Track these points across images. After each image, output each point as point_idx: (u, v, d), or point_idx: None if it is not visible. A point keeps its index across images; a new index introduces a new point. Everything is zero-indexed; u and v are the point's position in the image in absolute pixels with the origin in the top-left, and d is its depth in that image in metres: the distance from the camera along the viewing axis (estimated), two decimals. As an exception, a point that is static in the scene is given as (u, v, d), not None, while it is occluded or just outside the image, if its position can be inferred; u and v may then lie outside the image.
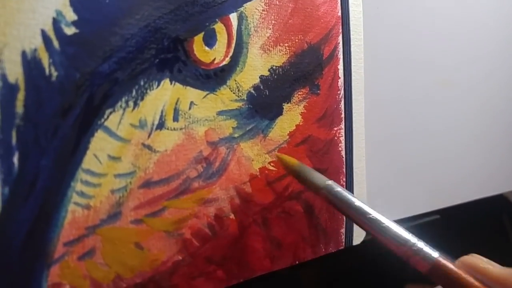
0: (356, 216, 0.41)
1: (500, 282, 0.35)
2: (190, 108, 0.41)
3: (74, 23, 0.35)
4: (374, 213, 0.40)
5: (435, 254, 0.37)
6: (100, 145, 0.36)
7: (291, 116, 0.48)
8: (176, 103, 0.40)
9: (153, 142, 0.39)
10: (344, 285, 0.61)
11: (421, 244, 0.38)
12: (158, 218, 0.39)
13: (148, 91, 0.39)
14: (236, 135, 0.44)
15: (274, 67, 0.46)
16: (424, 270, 0.37)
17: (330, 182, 0.43)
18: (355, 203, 0.41)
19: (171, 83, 0.40)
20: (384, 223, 0.39)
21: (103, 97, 0.36)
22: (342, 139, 0.52)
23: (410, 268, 0.38)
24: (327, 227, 0.51)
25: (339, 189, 0.42)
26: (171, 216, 0.40)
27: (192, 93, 0.41)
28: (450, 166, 0.69)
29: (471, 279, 0.35)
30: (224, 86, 0.43)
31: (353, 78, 0.52)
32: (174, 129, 0.40)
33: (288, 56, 0.47)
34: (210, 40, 0.42)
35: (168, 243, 0.40)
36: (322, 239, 0.51)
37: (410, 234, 0.39)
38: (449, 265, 0.36)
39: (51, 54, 0.34)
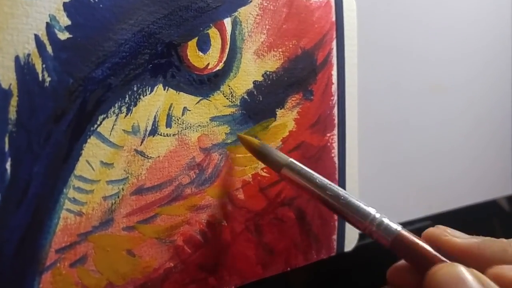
0: (317, 193, 0.40)
1: (466, 253, 0.33)
2: (183, 114, 0.41)
3: (67, 28, 0.34)
4: (334, 189, 0.40)
5: (397, 227, 0.36)
6: (92, 151, 0.36)
7: (284, 122, 0.47)
8: (169, 109, 0.40)
9: (145, 148, 0.39)
10: (335, 290, 0.61)
11: (382, 218, 0.37)
12: (150, 225, 0.39)
13: (141, 96, 0.38)
14: (229, 141, 0.44)
15: (268, 73, 0.46)
16: (386, 244, 0.36)
17: (292, 159, 0.42)
18: (317, 180, 0.40)
19: (164, 89, 0.39)
20: (343, 198, 0.39)
21: (96, 103, 0.36)
22: (335, 145, 0.52)
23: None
24: (319, 233, 0.51)
25: (301, 166, 0.42)
26: (163, 223, 0.40)
27: (185, 99, 0.41)
28: (442, 172, 0.69)
29: (434, 252, 0.34)
30: (218, 91, 0.43)
31: (346, 84, 0.52)
32: (167, 135, 0.40)
33: (282, 61, 0.47)
34: (204, 45, 0.42)
35: (160, 250, 0.40)
36: (314, 246, 0.51)
37: (371, 208, 0.38)
38: (411, 238, 0.35)
39: (44, 59, 0.33)
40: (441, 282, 0.30)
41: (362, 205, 0.39)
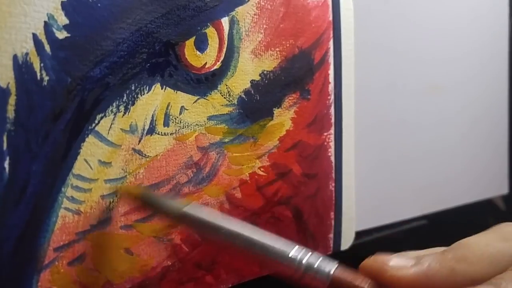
0: (227, 243, 0.34)
1: (415, 286, 0.29)
2: (180, 113, 0.41)
3: (65, 27, 0.34)
4: (246, 235, 0.33)
5: (330, 267, 0.31)
6: (91, 150, 0.36)
7: (282, 121, 0.48)
8: (167, 108, 0.40)
9: (143, 147, 0.39)
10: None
11: (311, 258, 0.31)
12: (148, 223, 0.39)
13: (139, 96, 0.38)
14: (226, 140, 0.44)
15: (265, 72, 0.46)
16: None
17: (188, 206, 0.35)
18: (224, 229, 0.33)
19: (162, 88, 0.40)
20: (258, 244, 0.32)
21: (94, 102, 0.36)
22: (332, 144, 0.52)
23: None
24: (315, 232, 0.51)
25: (200, 214, 0.35)
26: (161, 221, 0.40)
27: (183, 98, 0.41)
28: (438, 171, 0.69)
29: None
30: (215, 90, 0.43)
31: (343, 83, 0.52)
32: (165, 134, 0.40)
33: (279, 61, 0.47)
34: (201, 45, 0.42)
35: (158, 249, 0.40)
36: (311, 244, 0.51)
37: (297, 248, 0.32)
38: (349, 280, 0.30)
39: (42, 58, 0.33)
40: None
41: (283, 247, 0.32)
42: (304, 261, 0.31)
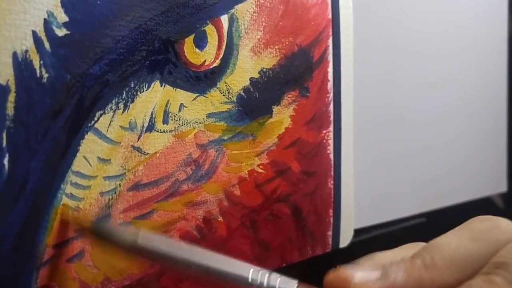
0: (185, 269, 0.32)
1: None
2: (180, 111, 0.41)
3: (65, 25, 0.34)
4: (202, 262, 0.31)
5: (291, 286, 0.30)
6: (90, 147, 0.36)
7: (281, 119, 0.48)
8: (166, 105, 0.40)
9: (142, 144, 0.39)
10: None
11: (270, 279, 0.30)
12: (147, 220, 0.39)
13: (139, 93, 0.38)
14: (225, 138, 0.44)
15: (264, 70, 0.46)
16: None
17: (141, 236, 0.33)
18: (179, 257, 0.32)
19: (161, 85, 0.40)
20: (215, 269, 0.31)
21: (93, 99, 0.36)
22: (331, 142, 0.52)
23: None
24: (314, 229, 0.51)
25: (155, 244, 0.33)
26: (160, 218, 0.40)
27: (182, 95, 0.41)
28: (437, 169, 0.69)
29: None
30: (214, 88, 0.43)
31: (342, 81, 0.52)
32: (164, 131, 0.40)
33: (279, 58, 0.47)
34: (200, 42, 0.42)
35: (157, 246, 0.40)
36: (309, 242, 0.51)
37: (253, 270, 0.31)
38: None
39: (42, 56, 0.34)
40: None
41: (241, 271, 0.31)
42: (264, 283, 0.30)
